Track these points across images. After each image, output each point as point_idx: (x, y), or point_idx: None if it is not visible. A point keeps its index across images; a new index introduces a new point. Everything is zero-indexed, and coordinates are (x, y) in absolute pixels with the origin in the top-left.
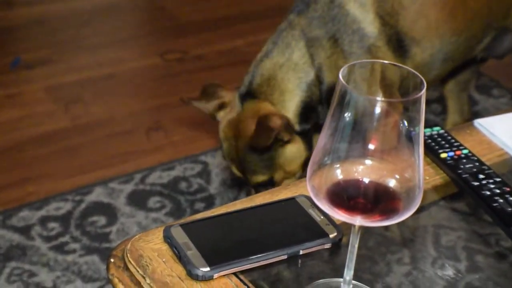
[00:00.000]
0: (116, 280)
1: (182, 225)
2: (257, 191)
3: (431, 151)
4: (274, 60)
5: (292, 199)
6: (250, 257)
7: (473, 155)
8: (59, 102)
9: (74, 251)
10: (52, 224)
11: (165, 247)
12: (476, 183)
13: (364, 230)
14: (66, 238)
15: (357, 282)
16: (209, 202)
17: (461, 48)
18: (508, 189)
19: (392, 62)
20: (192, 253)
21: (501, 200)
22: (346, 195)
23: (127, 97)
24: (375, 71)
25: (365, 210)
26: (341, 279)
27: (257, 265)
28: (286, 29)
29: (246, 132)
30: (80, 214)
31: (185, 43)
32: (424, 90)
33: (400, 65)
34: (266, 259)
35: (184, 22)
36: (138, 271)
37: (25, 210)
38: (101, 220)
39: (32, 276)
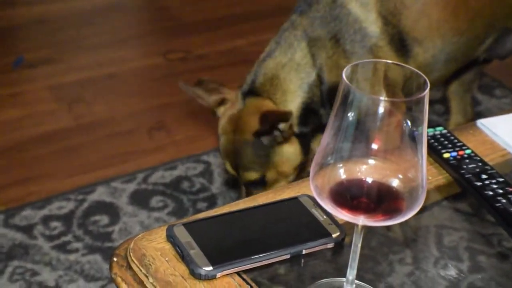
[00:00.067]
0: (119, 279)
1: (185, 225)
2: (247, 192)
3: (434, 151)
4: (277, 60)
5: (295, 198)
6: (253, 257)
7: (476, 155)
8: (61, 102)
9: (76, 250)
10: (54, 223)
11: (168, 246)
12: (479, 183)
13: (367, 230)
14: (68, 237)
15: (360, 282)
16: (211, 202)
17: (463, 49)
18: (511, 189)
19: (395, 62)
20: (195, 252)
21: (504, 200)
22: (349, 195)
23: (129, 97)
24: (378, 71)
25: (368, 209)
26: (344, 279)
27: (260, 264)
28: (288, 29)
29: (246, 127)
30: (83, 214)
31: (187, 42)
32: (427, 90)
33: (403, 64)
34: (269, 259)
35: (186, 21)
36: (141, 270)
37: (27, 209)
38: (104, 219)
39: (34, 275)
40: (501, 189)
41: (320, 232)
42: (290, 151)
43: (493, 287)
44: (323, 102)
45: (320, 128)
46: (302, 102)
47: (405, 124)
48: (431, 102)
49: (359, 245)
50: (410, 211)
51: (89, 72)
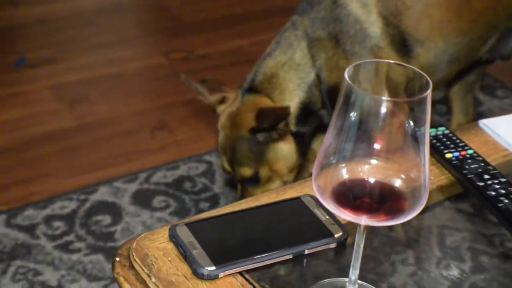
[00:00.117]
0: (121, 279)
1: (187, 224)
2: (242, 189)
3: (436, 151)
4: (276, 59)
5: (298, 198)
6: (256, 257)
7: (478, 155)
8: (63, 101)
9: (79, 250)
10: (57, 223)
11: (170, 246)
12: (481, 184)
13: (369, 231)
14: (71, 237)
15: (362, 282)
16: (214, 202)
17: (466, 49)
18: None
19: (397, 62)
20: (198, 252)
21: (506, 201)
22: (352, 195)
23: (131, 97)
24: (380, 71)
25: (370, 209)
26: (346, 279)
27: (263, 264)
28: (289, 29)
29: (243, 123)
30: (85, 213)
31: (189, 42)
32: (429, 90)
33: (405, 64)
34: (271, 259)
35: (188, 21)
36: (143, 270)
37: (30, 209)
38: (106, 219)
39: (37, 275)
40: (504, 189)
41: (323, 232)
42: (285, 149)
43: None
44: (323, 102)
45: (321, 128)
46: (300, 102)
47: (407, 124)
48: (433, 102)
49: (362, 245)
50: (412, 211)
51: (91, 72)
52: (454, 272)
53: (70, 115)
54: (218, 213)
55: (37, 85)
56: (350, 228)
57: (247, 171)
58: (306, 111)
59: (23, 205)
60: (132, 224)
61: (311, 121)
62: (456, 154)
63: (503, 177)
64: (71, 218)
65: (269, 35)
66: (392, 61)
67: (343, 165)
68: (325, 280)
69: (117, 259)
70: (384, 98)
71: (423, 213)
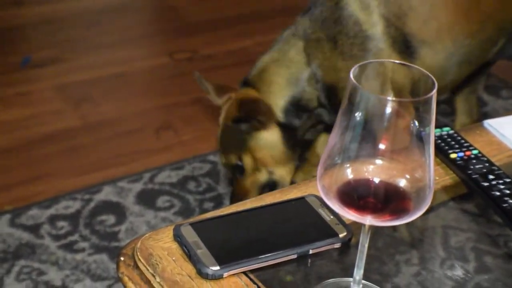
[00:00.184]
0: (126, 279)
1: (192, 224)
2: (232, 179)
3: (441, 152)
4: (271, 55)
5: (302, 198)
6: (260, 256)
7: (483, 155)
8: (69, 101)
9: (83, 249)
10: (61, 223)
11: (175, 245)
12: (485, 184)
13: (374, 231)
14: (75, 237)
15: (366, 282)
16: (218, 202)
17: (476, 51)
18: None
19: (402, 62)
20: (202, 252)
21: (511, 201)
22: (356, 195)
23: (136, 96)
24: (386, 71)
25: (375, 209)
26: (350, 279)
27: (267, 264)
28: (290, 27)
29: (228, 113)
30: (89, 213)
31: (194, 42)
32: (435, 90)
33: (410, 64)
34: (275, 259)
35: (193, 21)
36: (148, 270)
37: (34, 208)
38: (110, 219)
39: (41, 275)
40: (508, 189)
41: (327, 232)
42: (267, 138)
43: None
44: (320, 100)
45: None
46: (289, 95)
47: (412, 125)
48: (437, 103)
49: (366, 245)
50: (417, 211)
51: (96, 72)
52: (458, 272)
53: (75, 115)
54: (222, 213)
55: (41, 85)
56: (354, 228)
57: (231, 158)
58: (298, 106)
59: (27, 204)
60: (136, 224)
61: (304, 116)
62: (461, 154)
63: (508, 177)
64: (75, 218)
65: (274, 36)
66: (397, 61)
67: (348, 165)
68: (330, 280)
69: (122, 258)
70: (389, 98)
71: (427, 213)
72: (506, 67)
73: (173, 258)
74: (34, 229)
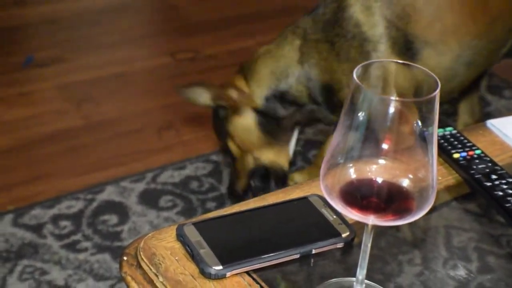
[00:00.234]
0: (129, 278)
1: (195, 224)
2: (227, 162)
3: (443, 151)
4: (268, 47)
5: (305, 198)
6: (263, 256)
7: (486, 155)
8: (71, 101)
9: (85, 249)
10: (64, 223)
11: (178, 245)
12: (488, 184)
13: (376, 231)
14: (78, 237)
15: (369, 282)
16: (221, 202)
17: (484, 53)
18: None
19: (405, 62)
20: (205, 251)
21: None
22: (359, 195)
23: (138, 96)
24: (389, 71)
25: (378, 209)
26: (353, 279)
27: (270, 264)
28: (292, 24)
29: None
30: (92, 213)
31: (197, 42)
32: (438, 90)
33: (413, 64)
34: (278, 258)
35: (195, 21)
36: (151, 269)
37: (37, 208)
38: (113, 218)
39: (44, 274)
40: (511, 189)
41: (330, 232)
42: (242, 124)
43: None
44: (312, 97)
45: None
46: (272, 87)
47: (415, 124)
48: (440, 103)
49: (369, 245)
50: (420, 211)
51: (98, 72)
52: (461, 272)
53: (77, 115)
54: (225, 213)
55: (43, 85)
56: (357, 228)
57: (220, 143)
58: (283, 98)
59: (30, 204)
60: (139, 224)
61: (291, 109)
62: (464, 154)
63: (511, 177)
64: (78, 217)
65: (275, 36)
66: (400, 61)
67: (351, 164)
68: (332, 279)
69: (125, 258)
70: (393, 97)
71: (430, 213)
72: (508, 67)
73: (176, 258)
74: (36, 228)
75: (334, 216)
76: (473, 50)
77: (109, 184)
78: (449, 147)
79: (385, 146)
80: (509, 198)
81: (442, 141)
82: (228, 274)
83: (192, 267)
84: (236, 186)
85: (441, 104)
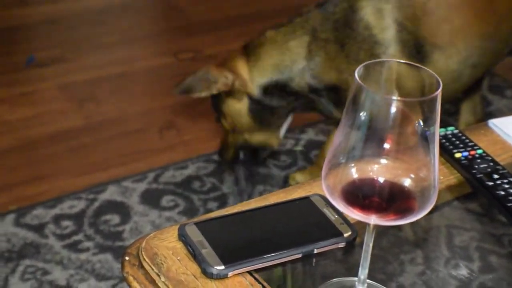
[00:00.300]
0: (131, 278)
1: (196, 224)
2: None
3: (445, 151)
4: (276, 34)
5: (307, 198)
6: (265, 256)
7: (488, 155)
8: (72, 101)
9: (87, 249)
10: (65, 223)
11: (179, 245)
12: (490, 183)
13: (378, 230)
14: (79, 237)
15: (371, 281)
16: (222, 201)
17: (489, 54)
18: None
19: (409, 62)
20: (207, 251)
21: None
22: (361, 194)
23: (140, 96)
24: (391, 71)
25: (380, 209)
26: (355, 278)
27: (272, 263)
28: (302, 16)
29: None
30: (94, 213)
31: (198, 42)
32: (439, 90)
33: (416, 64)
34: (280, 258)
35: (197, 21)
36: (152, 269)
37: (38, 208)
38: (115, 218)
39: (45, 274)
40: None
41: (332, 232)
42: (234, 106)
43: (503, 287)
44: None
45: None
46: (272, 78)
47: (417, 124)
48: (442, 103)
49: (371, 245)
50: (422, 211)
51: (99, 72)
52: (463, 272)
53: (79, 115)
54: (227, 213)
55: (45, 85)
56: (359, 228)
57: (216, 117)
58: (282, 89)
59: (32, 204)
60: (141, 224)
61: (289, 99)
62: (465, 153)
63: None
64: (79, 217)
65: (285, 19)
66: (403, 61)
67: (353, 164)
68: (334, 279)
69: (127, 258)
70: (394, 97)
71: (431, 212)
72: (510, 67)
73: (178, 258)
74: (38, 228)
75: (336, 216)
76: (479, 51)
77: (111, 184)
78: (451, 147)
79: (387, 145)
80: (511, 198)
81: (444, 140)
82: (230, 274)
83: (194, 267)
84: (225, 155)
85: (443, 103)
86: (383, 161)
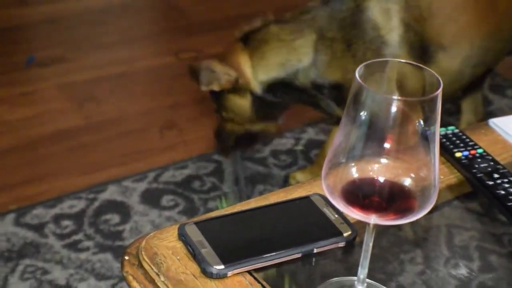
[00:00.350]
0: (130, 278)
1: (196, 223)
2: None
3: (446, 151)
4: (281, 31)
5: (307, 197)
6: (264, 255)
7: (488, 154)
8: (73, 100)
9: (87, 249)
10: (65, 222)
11: (179, 245)
12: (490, 183)
13: (378, 230)
14: (79, 236)
15: (371, 281)
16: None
17: (490, 53)
18: None
19: (411, 62)
20: (207, 251)
21: None
22: (361, 194)
23: (140, 96)
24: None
25: (380, 208)
26: (354, 278)
27: (271, 263)
28: (308, 14)
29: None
30: (94, 212)
31: (199, 41)
32: (440, 90)
33: (418, 64)
34: (280, 258)
35: (198, 20)
36: (152, 269)
37: (39, 208)
38: (115, 218)
39: (45, 274)
40: None
41: (332, 231)
42: (236, 102)
43: (503, 287)
44: (318, 89)
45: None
46: (278, 78)
47: (417, 124)
48: (442, 101)
49: (371, 244)
50: (422, 210)
51: (100, 71)
52: (463, 271)
53: (79, 114)
54: (227, 212)
55: (45, 84)
56: (359, 227)
57: (216, 108)
58: (283, 86)
59: (32, 204)
60: (141, 223)
61: (292, 94)
62: (466, 153)
63: None
64: (79, 217)
65: (290, 13)
66: (403, 60)
67: (353, 164)
68: (334, 279)
69: (126, 258)
70: (395, 97)
71: (432, 212)
72: (511, 66)
73: (178, 257)
74: (38, 228)
75: (336, 216)
76: (481, 51)
77: (111, 184)
78: (451, 146)
79: (387, 145)
80: (511, 197)
81: (444, 140)
82: (230, 273)
83: (193, 267)
84: (222, 140)
85: (443, 103)
86: (383, 160)
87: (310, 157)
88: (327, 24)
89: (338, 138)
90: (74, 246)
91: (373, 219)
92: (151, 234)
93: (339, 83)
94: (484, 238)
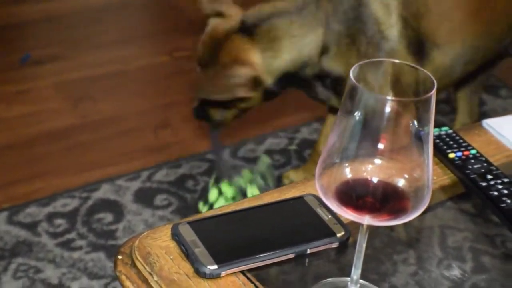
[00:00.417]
0: (123, 277)
1: (190, 223)
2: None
3: (439, 151)
4: (290, 26)
5: (300, 198)
6: (258, 256)
7: (481, 155)
8: (68, 99)
9: (80, 248)
10: (58, 221)
11: (173, 244)
12: (484, 184)
13: (371, 230)
14: (72, 235)
15: (364, 282)
16: None
17: (481, 51)
18: None
19: (406, 62)
20: (200, 251)
21: (509, 201)
22: (355, 194)
23: (135, 95)
24: (387, 71)
25: (373, 209)
26: (348, 278)
27: (265, 263)
28: (312, 6)
29: (222, 58)
30: (87, 211)
31: (194, 41)
32: (434, 90)
33: (413, 65)
34: (273, 258)
35: (193, 20)
36: (145, 268)
37: (32, 206)
38: (108, 217)
39: (38, 273)
40: (506, 189)
41: (325, 232)
42: (247, 103)
43: None
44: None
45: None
46: (287, 72)
47: (411, 124)
48: (436, 102)
49: (364, 245)
50: (415, 211)
51: (96, 70)
52: (456, 272)
53: (74, 113)
54: (220, 212)
55: (41, 83)
56: (352, 228)
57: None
58: (288, 78)
59: (25, 202)
60: (134, 223)
61: (293, 85)
62: (459, 154)
63: (506, 177)
64: (73, 215)
65: None
66: (397, 61)
67: (347, 164)
68: (327, 279)
69: (119, 257)
70: (389, 97)
71: (425, 213)
72: (504, 67)
73: (171, 257)
74: (31, 226)
75: (329, 216)
76: (473, 49)
77: (105, 182)
78: (445, 147)
79: (381, 145)
80: (504, 198)
81: (438, 140)
82: (223, 273)
83: (187, 267)
84: (202, 118)
85: (437, 103)
86: (377, 161)
87: (304, 157)
88: (332, 15)
89: (332, 138)
90: (67, 245)
91: (366, 219)
92: (145, 233)
93: (342, 76)
94: (477, 239)
